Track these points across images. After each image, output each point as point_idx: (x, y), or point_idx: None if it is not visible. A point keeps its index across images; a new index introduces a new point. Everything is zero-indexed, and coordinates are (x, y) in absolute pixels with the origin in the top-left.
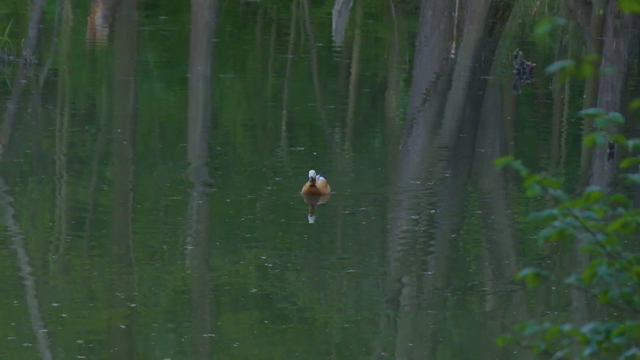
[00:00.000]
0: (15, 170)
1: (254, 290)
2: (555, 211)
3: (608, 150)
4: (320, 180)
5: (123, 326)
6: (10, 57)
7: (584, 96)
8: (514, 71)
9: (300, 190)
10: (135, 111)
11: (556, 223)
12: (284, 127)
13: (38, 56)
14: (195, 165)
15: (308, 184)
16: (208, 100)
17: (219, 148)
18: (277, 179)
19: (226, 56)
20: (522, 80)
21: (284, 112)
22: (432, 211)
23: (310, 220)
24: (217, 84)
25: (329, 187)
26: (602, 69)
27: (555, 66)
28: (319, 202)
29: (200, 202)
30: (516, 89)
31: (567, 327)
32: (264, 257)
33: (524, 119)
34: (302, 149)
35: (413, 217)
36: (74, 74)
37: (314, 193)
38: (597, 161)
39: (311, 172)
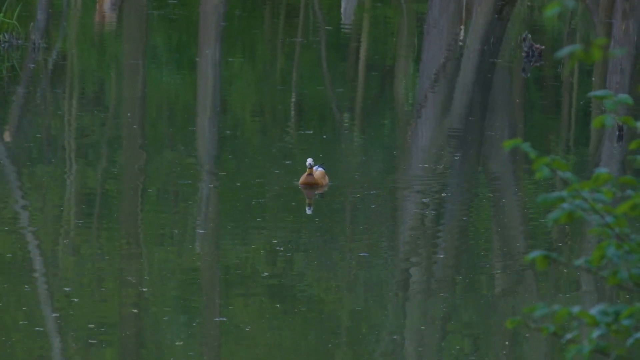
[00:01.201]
0: (25, 155)
1: (264, 274)
2: (564, 193)
3: (617, 133)
4: (319, 171)
5: (135, 310)
6: (19, 42)
7: (593, 78)
8: (523, 54)
9: (298, 181)
10: (144, 95)
11: (565, 205)
12: (293, 111)
13: (47, 40)
14: (205, 149)
15: (305, 174)
16: (217, 84)
17: (228, 132)
18: (288, 162)
19: (235, 40)
20: (531, 63)
21: (293, 95)
22: (443, 194)
23: (309, 211)
24: (226, 67)
25: (327, 178)
26: (611, 51)
27: (564, 51)
28: (317, 192)
29: (210, 186)
30: (525, 71)
31: (576, 309)
32: (274, 241)
33: (533, 102)
34: (311, 132)
35: (422, 200)
36: (83, 58)
37: (312, 183)
38: (607, 143)
39: (309, 160)
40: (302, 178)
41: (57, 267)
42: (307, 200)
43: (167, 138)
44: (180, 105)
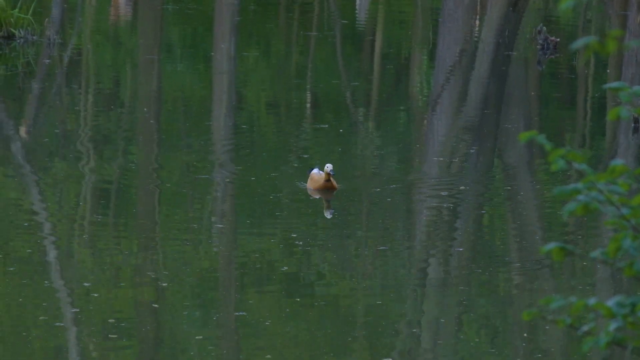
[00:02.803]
0: (41, 150)
1: (282, 268)
2: (579, 185)
3: (633, 125)
4: (317, 173)
5: (155, 305)
6: (34, 37)
7: (608, 70)
8: (538, 46)
9: (306, 183)
10: (159, 90)
11: (580, 197)
12: (308, 105)
13: (62, 36)
14: (221, 144)
15: (323, 178)
16: (232, 78)
17: (244, 126)
18: (306, 156)
19: (250, 34)
20: (546, 56)
21: (308, 89)
22: (461, 187)
23: (329, 215)
24: (241, 62)
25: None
26: (626, 43)
27: (579, 43)
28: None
29: (227, 180)
30: (540, 64)
31: (592, 301)
32: (291, 235)
33: (548, 95)
34: (327, 126)
35: (439, 193)
36: (98, 53)
37: (330, 188)
38: (622, 136)
39: (329, 167)
40: (321, 183)
41: (76, 263)
42: (326, 204)
43: (183, 133)
44: (195, 99)
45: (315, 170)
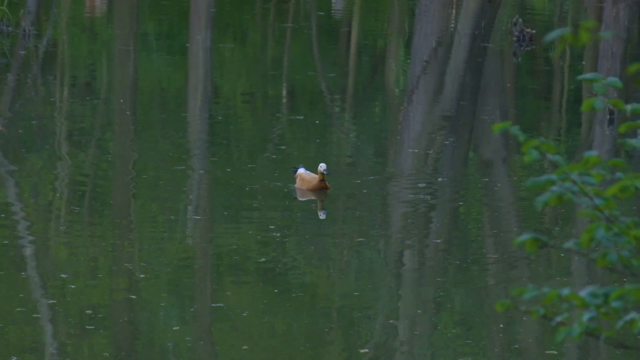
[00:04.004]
0: (17, 142)
1: (258, 259)
2: (553, 176)
3: (608, 117)
4: (305, 173)
5: (132, 296)
6: (9, 29)
7: (584, 63)
8: (514, 38)
9: (292, 184)
10: (135, 81)
11: (554, 188)
12: (284, 96)
13: (37, 27)
14: (196, 135)
15: (316, 178)
16: (208, 69)
17: (219, 117)
18: (283, 147)
19: (226, 26)
20: (522, 48)
21: (284, 81)
22: (439, 179)
23: (322, 216)
24: (217, 53)
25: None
26: (599, 34)
27: (553, 34)
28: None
29: (202, 171)
30: (516, 56)
31: (565, 292)
32: (267, 227)
33: (524, 86)
34: (302, 117)
35: (415, 185)
36: (74, 44)
37: (324, 188)
38: (598, 128)
39: (323, 166)
40: (315, 184)
41: (52, 254)
42: (320, 205)
43: (158, 124)
44: (171, 91)
45: (301, 170)
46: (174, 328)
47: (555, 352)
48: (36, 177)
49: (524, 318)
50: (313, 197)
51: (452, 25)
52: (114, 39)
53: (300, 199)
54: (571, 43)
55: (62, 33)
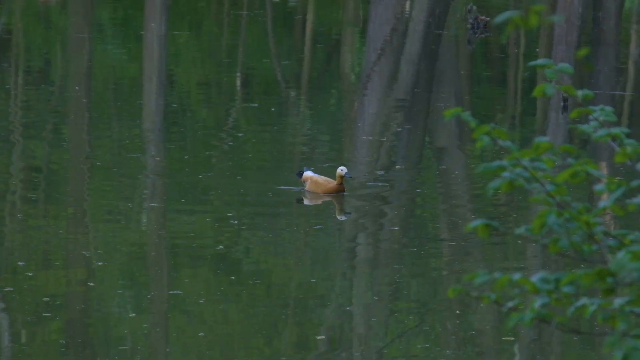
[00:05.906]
0: None
1: (214, 247)
2: (504, 162)
3: (562, 103)
4: (313, 175)
5: (89, 284)
6: None
7: (538, 50)
8: (468, 26)
9: (299, 187)
10: (90, 69)
11: (506, 174)
12: (238, 84)
13: None
14: (151, 122)
15: (332, 182)
16: (163, 57)
17: (174, 105)
18: (240, 134)
19: (181, 14)
20: (476, 35)
21: (239, 68)
22: (396, 166)
23: (343, 217)
24: (172, 41)
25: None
26: (548, 17)
27: (502, 16)
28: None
29: (157, 159)
30: (470, 43)
31: (516, 277)
32: (226, 214)
33: (479, 74)
34: (257, 105)
35: (370, 171)
36: (28, 32)
37: (341, 191)
38: (552, 114)
39: (344, 170)
40: (332, 187)
41: (8, 242)
42: (339, 207)
43: (113, 111)
44: (126, 78)
45: (310, 173)
46: (130, 315)
47: (513, 339)
48: None
49: (480, 304)
50: (322, 200)
51: (407, 12)
52: (69, 26)
53: (309, 203)
54: (520, 26)
55: (16, 21)
